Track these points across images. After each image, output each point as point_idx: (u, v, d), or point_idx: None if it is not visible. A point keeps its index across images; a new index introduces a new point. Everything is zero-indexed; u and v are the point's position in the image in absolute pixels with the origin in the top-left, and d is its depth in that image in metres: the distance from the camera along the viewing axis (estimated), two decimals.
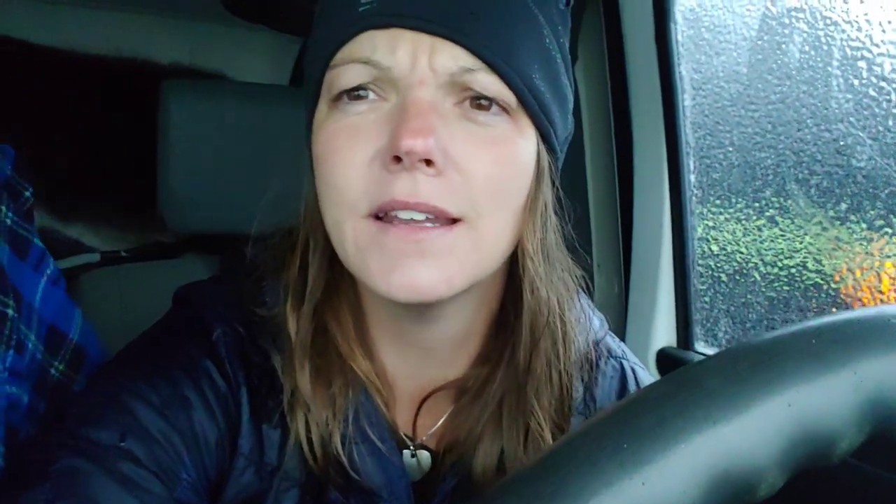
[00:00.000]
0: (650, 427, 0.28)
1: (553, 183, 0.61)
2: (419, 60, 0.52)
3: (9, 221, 0.70)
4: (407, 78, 0.53)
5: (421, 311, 0.60)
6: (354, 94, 0.54)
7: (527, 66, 0.55)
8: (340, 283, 0.63)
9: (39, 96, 1.58)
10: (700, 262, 1.21)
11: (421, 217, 0.53)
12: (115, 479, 0.51)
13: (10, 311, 0.65)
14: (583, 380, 0.68)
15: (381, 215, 0.54)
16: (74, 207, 1.63)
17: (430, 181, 0.52)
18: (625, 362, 0.73)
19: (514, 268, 0.61)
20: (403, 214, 0.53)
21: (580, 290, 0.68)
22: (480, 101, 0.54)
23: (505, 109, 0.55)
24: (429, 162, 0.51)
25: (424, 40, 0.52)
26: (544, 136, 0.58)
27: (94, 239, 1.63)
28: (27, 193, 0.73)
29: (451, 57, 0.53)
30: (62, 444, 0.53)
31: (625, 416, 0.29)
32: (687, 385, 0.29)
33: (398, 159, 0.51)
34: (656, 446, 0.27)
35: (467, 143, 0.53)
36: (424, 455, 0.66)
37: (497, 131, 0.55)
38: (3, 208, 0.69)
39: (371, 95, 0.54)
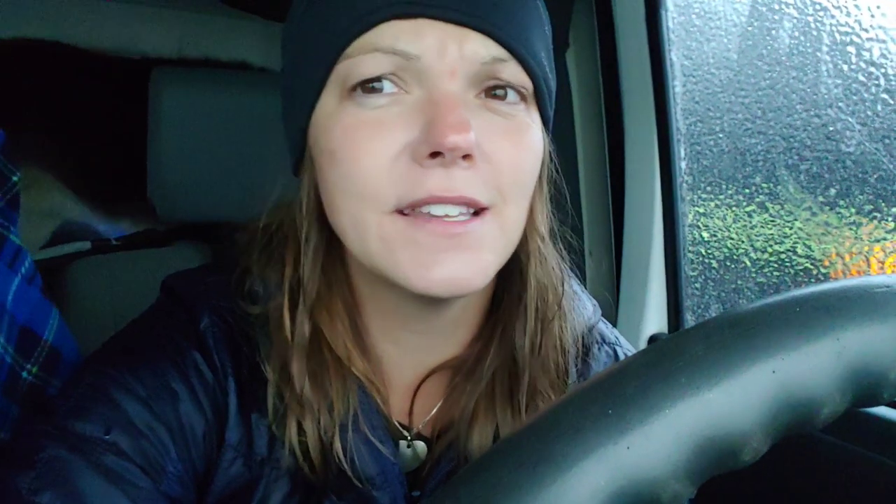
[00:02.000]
0: (634, 394, 0.28)
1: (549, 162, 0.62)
2: (449, 50, 0.52)
3: None
4: (435, 68, 0.52)
5: (436, 300, 0.59)
6: (369, 86, 0.53)
7: (540, 54, 0.56)
8: (333, 281, 0.62)
9: (31, 85, 1.57)
10: (691, 248, 1.21)
11: (455, 212, 0.53)
12: (100, 472, 0.51)
13: None
14: (576, 366, 0.68)
15: (408, 211, 0.53)
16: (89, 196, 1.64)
17: (465, 174, 0.52)
18: (618, 348, 0.73)
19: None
20: (437, 210, 0.52)
21: (572, 276, 0.68)
22: (496, 91, 0.54)
23: (522, 98, 0.56)
24: (467, 156, 0.51)
25: (452, 30, 0.52)
26: (545, 122, 0.60)
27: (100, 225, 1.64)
28: (14, 178, 0.71)
29: (481, 46, 0.52)
30: (48, 434, 0.53)
31: (609, 384, 0.29)
32: (671, 353, 0.29)
33: (435, 155, 0.51)
34: (641, 412, 0.27)
35: (492, 134, 0.53)
36: (420, 445, 0.65)
37: (516, 120, 0.55)
38: None
39: (388, 87, 0.53)
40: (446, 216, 0.52)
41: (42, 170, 1.59)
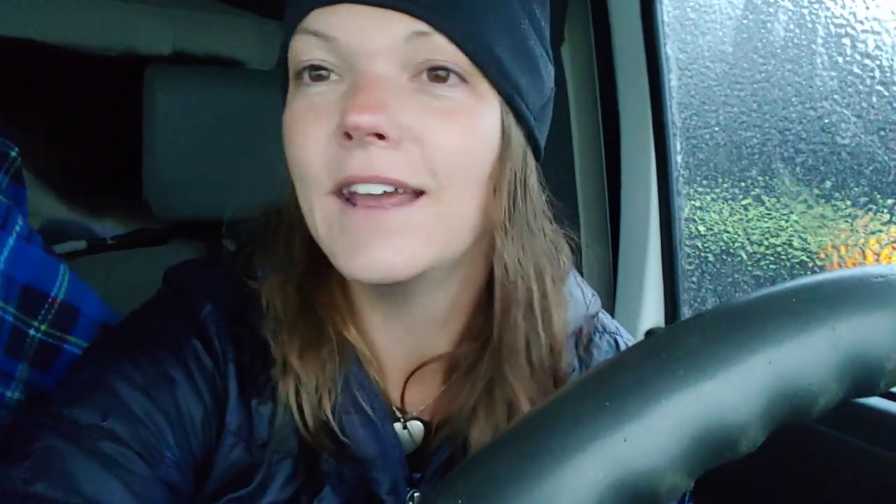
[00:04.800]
0: (632, 385, 0.28)
1: (525, 152, 0.59)
2: (370, 33, 0.52)
3: None
4: (357, 52, 0.52)
5: (394, 290, 0.59)
6: (315, 73, 0.54)
7: (483, 31, 0.54)
8: (326, 259, 0.63)
9: (25, 85, 1.57)
10: (687, 242, 1.22)
11: (379, 191, 0.53)
12: (96, 459, 0.52)
13: None
14: (578, 355, 0.68)
15: (346, 193, 0.54)
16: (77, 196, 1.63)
17: (386, 154, 0.52)
18: (618, 338, 0.73)
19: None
20: (362, 189, 0.53)
21: (571, 268, 0.67)
22: (438, 73, 0.53)
23: (463, 79, 0.54)
24: (381, 136, 0.51)
25: (375, 13, 0.52)
26: (510, 104, 0.57)
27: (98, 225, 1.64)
28: (13, 153, 0.70)
29: (402, 25, 0.52)
30: (44, 425, 0.53)
31: (607, 376, 0.29)
32: (668, 345, 0.29)
33: (348, 135, 0.51)
34: (638, 403, 0.27)
35: (423, 115, 0.53)
36: (416, 427, 0.65)
37: (455, 102, 0.54)
38: None
39: (332, 76, 0.54)
40: (369, 195, 0.53)
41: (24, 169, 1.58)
